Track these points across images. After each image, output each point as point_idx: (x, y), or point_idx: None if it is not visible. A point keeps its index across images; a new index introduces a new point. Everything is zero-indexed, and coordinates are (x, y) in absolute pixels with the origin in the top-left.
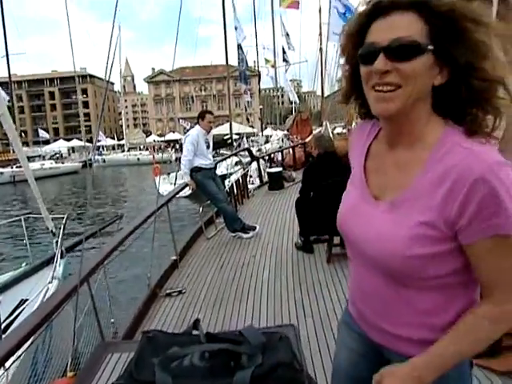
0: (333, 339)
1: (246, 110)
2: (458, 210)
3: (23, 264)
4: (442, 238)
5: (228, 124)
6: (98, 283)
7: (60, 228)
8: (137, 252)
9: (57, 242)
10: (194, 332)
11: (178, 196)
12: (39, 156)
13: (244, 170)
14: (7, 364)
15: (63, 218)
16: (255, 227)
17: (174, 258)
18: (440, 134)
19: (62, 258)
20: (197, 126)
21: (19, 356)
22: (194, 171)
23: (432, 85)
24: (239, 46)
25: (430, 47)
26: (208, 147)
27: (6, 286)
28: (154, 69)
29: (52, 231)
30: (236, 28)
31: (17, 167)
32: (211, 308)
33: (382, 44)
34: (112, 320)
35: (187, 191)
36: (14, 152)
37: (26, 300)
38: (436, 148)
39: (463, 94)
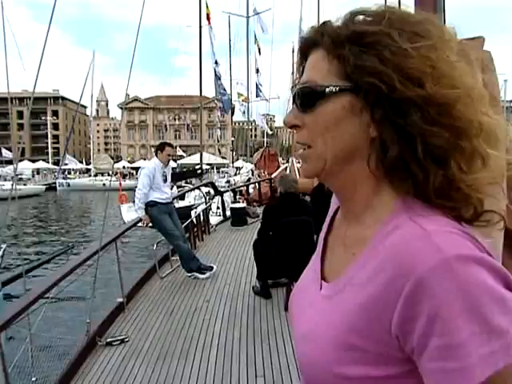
0: None
1: (217, 142)
2: (399, 323)
3: None
4: (388, 358)
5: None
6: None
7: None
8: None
9: None
10: None
11: (139, 225)
12: None
13: (206, 204)
14: None
15: (1, 248)
16: (212, 267)
17: (121, 300)
18: (393, 204)
19: None
20: (154, 158)
21: None
22: (149, 206)
23: (370, 138)
24: (219, 78)
25: (335, 88)
26: (165, 181)
27: None
28: (128, 95)
29: None
30: (216, 62)
31: None
32: (154, 363)
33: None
34: (34, 378)
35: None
36: None
37: None
38: (383, 223)
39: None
